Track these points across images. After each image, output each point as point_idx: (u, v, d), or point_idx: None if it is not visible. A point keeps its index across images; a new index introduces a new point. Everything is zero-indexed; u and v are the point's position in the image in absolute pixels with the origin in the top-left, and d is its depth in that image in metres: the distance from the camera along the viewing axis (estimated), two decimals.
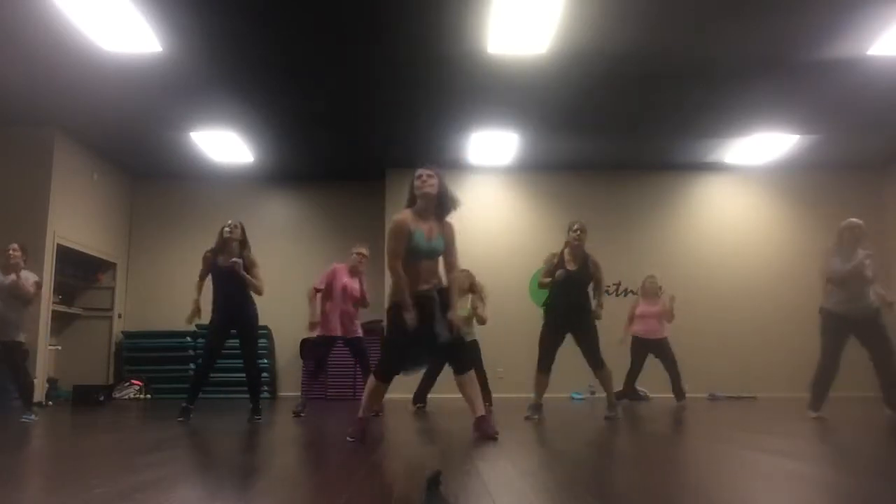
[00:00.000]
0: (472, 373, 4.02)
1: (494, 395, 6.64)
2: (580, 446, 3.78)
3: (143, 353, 9.02)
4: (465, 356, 4.08)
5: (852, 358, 5.30)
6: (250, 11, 5.35)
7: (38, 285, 5.76)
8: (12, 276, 5.45)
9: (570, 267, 5.24)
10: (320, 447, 3.79)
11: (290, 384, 9.27)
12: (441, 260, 4.01)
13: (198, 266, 5.46)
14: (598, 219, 7.90)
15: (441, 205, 3.92)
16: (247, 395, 5.43)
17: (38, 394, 7.49)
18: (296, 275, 8.38)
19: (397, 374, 3.97)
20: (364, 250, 6.21)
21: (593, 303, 5.36)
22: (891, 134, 8.22)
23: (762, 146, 8.56)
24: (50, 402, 7.64)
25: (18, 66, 6.27)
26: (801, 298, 9.10)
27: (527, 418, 5.13)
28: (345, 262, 6.16)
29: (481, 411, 3.96)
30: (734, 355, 8.87)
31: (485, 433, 3.84)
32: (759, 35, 5.77)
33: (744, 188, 9.54)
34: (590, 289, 5.36)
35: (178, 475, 2.62)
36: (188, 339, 8.99)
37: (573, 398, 8.31)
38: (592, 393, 8.17)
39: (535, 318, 8.91)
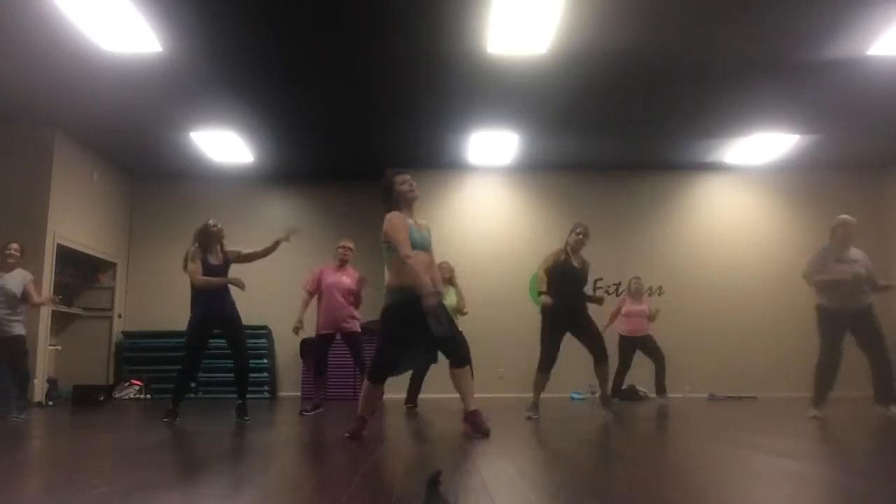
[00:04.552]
0: (467, 367, 4.05)
1: (494, 395, 6.64)
2: (580, 446, 3.78)
3: (143, 353, 9.01)
4: (462, 349, 4.10)
5: (852, 358, 5.30)
6: (250, 11, 5.36)
7: (33, 283, 5.84)
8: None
9: (576, 265, 5.37)
10: (320, 447, 3.79)
11: (290, 384, 9.28)
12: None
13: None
14: (598, 219, 7.91)
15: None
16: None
17: (39, 394, 7.51)
18: (296, 275, 8.35)
19: (390, 376, 4.05)
20: (348, 243, 6.25)
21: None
22: (891, 134, 8.21)
23: (762, 146, 8.55)
24: (50, 402, 7.63)
25: (18, 66, 6.27)
26: (800, 298, 9.09)
27: (528, 418, 5.17)
28: (332, 262, 6.28)
29: (473, 406, 3.98)
30: (734, 355, 8.86)
31: (478, 428, 3.86)
32: (759, 35, 5.77)
33: (744, 188, 9.54)
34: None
35: (178, 475, 2.61)
36: None
37: (573, 398, 8.31)
38: (593, 393, 8.17)
39: (535, 317, 8.96)
